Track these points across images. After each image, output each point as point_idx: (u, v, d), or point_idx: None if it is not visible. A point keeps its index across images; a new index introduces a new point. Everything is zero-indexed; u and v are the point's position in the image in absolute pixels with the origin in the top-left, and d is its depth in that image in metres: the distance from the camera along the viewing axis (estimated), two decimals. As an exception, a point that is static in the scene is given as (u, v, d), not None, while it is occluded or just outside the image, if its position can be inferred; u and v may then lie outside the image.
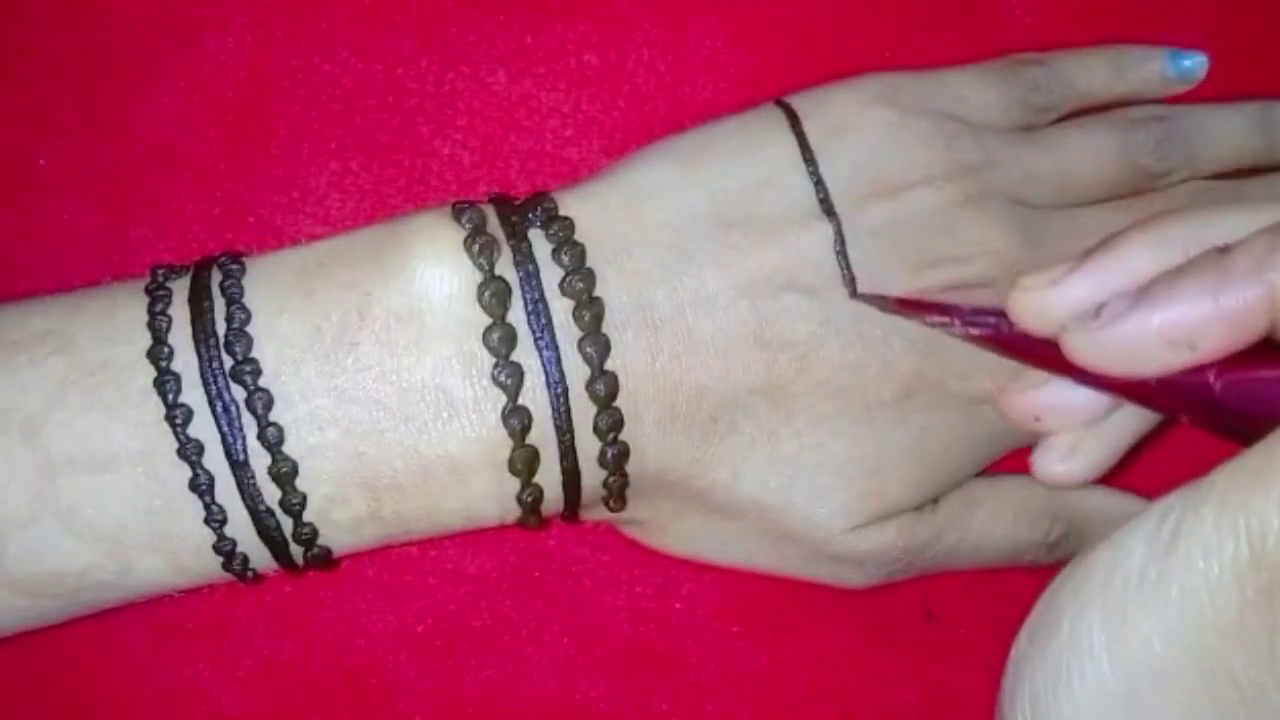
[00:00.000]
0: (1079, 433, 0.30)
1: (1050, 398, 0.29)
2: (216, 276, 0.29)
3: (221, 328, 0.29)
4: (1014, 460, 0.34)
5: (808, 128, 0.32)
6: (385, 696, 0.35)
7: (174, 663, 0.35)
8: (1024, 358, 0.29)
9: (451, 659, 0.35)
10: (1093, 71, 0.36)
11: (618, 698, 0.36)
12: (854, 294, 0.31)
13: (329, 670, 0.35)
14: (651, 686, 0.36)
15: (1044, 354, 0.28)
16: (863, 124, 0.32)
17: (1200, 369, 0.24)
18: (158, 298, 0.29)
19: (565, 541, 0.36)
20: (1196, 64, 0.36)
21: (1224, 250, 0.24)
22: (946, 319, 0.30)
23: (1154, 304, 0.24)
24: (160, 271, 0.30)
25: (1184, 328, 0.24)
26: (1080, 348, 0.26)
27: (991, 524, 0.33)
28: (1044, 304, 0.27)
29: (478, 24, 0.36)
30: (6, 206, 0.35)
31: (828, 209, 0.31)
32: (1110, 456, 0.30)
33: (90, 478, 0.28)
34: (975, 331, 0.29)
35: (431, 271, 0.29)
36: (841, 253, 0.31)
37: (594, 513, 0.32)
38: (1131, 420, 0.30)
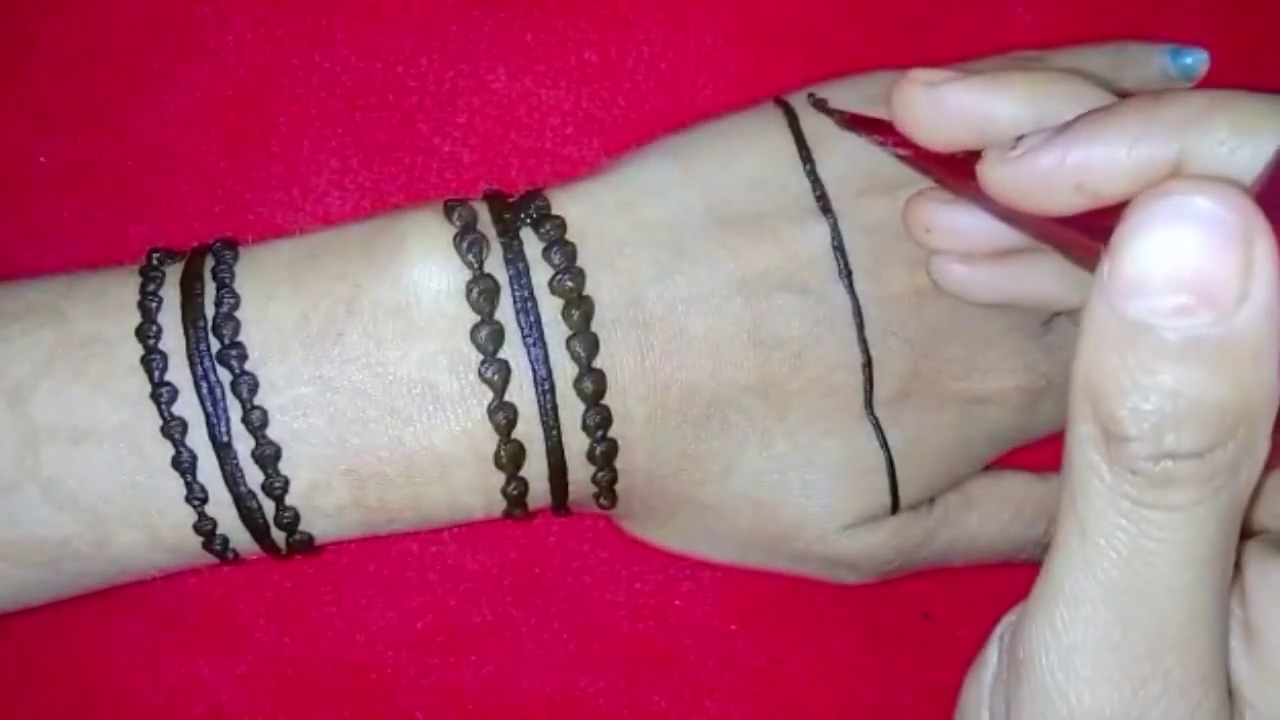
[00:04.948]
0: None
1: (946, 215, 0.30)
2: (210, 261, 0.30)
3: (211, 311, 0.29)
4: (1012, 457, 0.34)
5: (805, 126, 0.32)
6: (385, 692, 0.35)
7: (175, 659, 0.35)
8: (945, 180, 0.29)
9: (452, 655, 0.36)
10: (1093, 68, 0.35)
11: (617, 694, 0.36)
12: (816, 105, 0.31)
13: (329, 666, 0.35)
14: (650, 683, 0.36)
15: (962, 178, 0.28)
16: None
17: (1106, 217, 0.24)
18: (150, 278, 0.30)
19: (565, 539, 0.36)
20: (1198, 61, 0.36)
21: (1158, 96, 0.24)
22: (882, 138, 0.30)
23: (1070, 143, 0.24)
24: (155, 254, 0.30)
25: (1092, 172, 0.24)
26: (992, 177, 0.26)
27: (988, 523, 0.33)
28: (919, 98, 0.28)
29: (478, 22, 0.36)
30: (7, 204, 0.35)
31: (824, 207, 0.31)
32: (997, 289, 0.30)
33: (73, 448, 0.28)
34: (903, 151, 0.29)
35: (420, 267, 0.29)
36: (839, 249, 0.31)
37: (588, 505, 0.32)
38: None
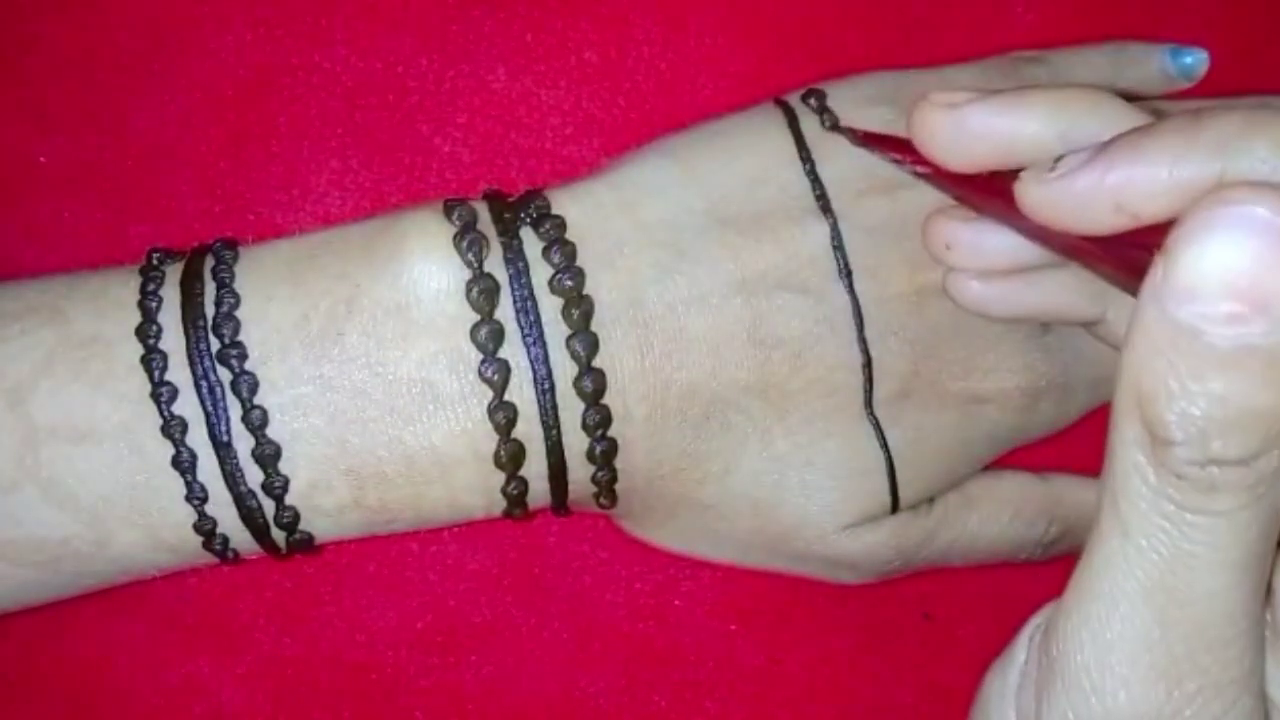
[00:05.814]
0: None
1: (967, 233, 0.30)
2: (210, 261, 0.30)
3: (211, 310, 0.29)
4: (1012, 457, 0.34)
5: (805, 126, 0.32)
6: (385, 692, 0.35)
7: (175, 659, 0.35)
8: (966, 198, 0.29)
9: (452, 655, 0.36)
10: (1093, 68, 0.35)
11: (616, 694, 0.36)
12: (839, 128, 0.31)
13: (329, 666, 0.35)
14: (650, 683, 0.36)
15: (986, 196, 0.28)
16: (860, 122, 0.32)
17: (1143, 236, 0.24)
18: (151, 278, 0.30)
19: (565, 538, 0.36)
20: (1198, 61, 0.36)
21: (1198, 115, 0.23)
22: (900, 156, 0.30)
23: (1110, 163, 0.24)
24: (156, 254, 0.31)
25: (1133, 192, 0.24)
26: (1031, 197, 0.26)
27: (987, 523, 0.33)
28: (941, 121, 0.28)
29: (478, 22, 0.36)
30: (7, 204, 0.35)
31: (824, 207, 0.31)
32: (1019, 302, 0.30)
33: (72, 448, 0.28)
34: (922, 169, 0.29)
35: (420, 267, 0.29)
36: (838, 249, 0.31)
37: (587, 505, 0.32)
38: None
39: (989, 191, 0.28)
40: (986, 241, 0.29)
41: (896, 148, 0.30)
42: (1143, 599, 0.21)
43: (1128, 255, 0.24)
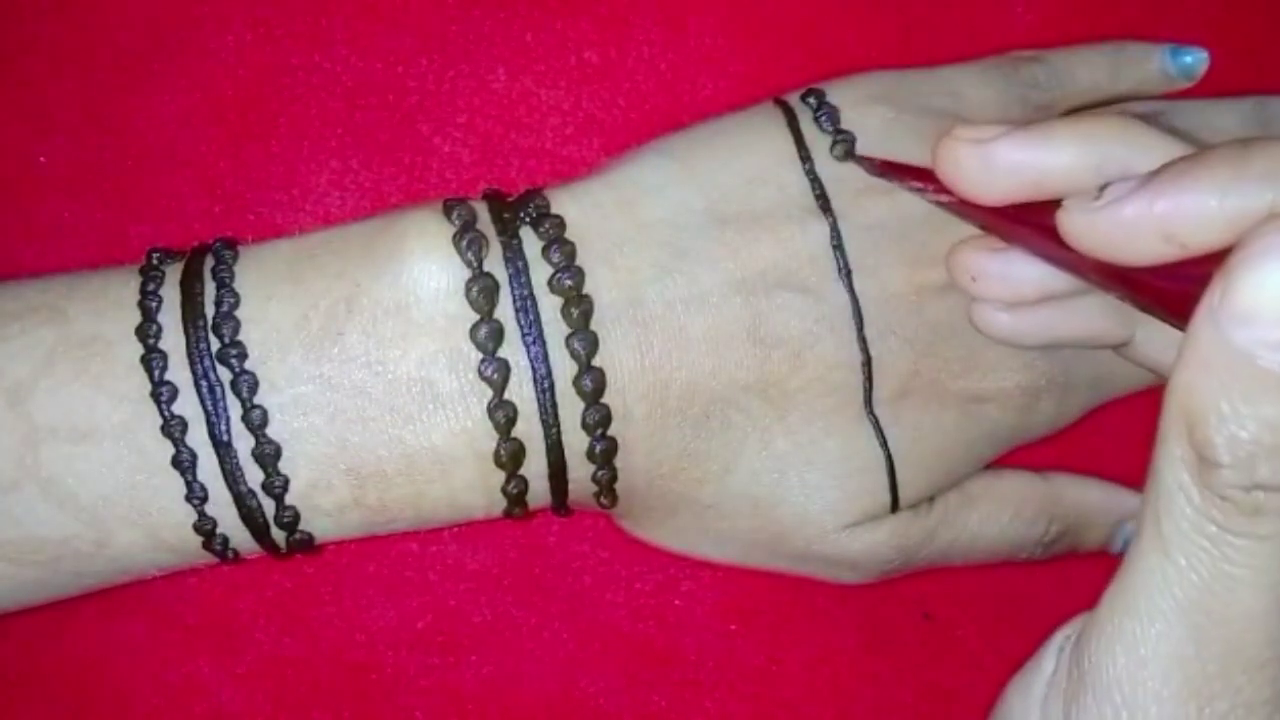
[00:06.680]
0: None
1: (996, 263, 0.30)
2: (209, 261, 0.30)
3: (210, 310, 0.29)
4: (1012, 457, 0.34)
5: (804, 125, 0.32)
6: (385, 692, 0.35)
7: (175, 658, 0.35)
8: (995, 228, 0.29)
9: (452, 655, 0.36)
10: (1093, 68, 0.35)
11: (616, 694, 0.36)
12: (855, 157, 0.31)
13: (329, 666, 0.35)
14: (650, 683, 0.36)
15: (1014, 225, 0.28)
16: (859, 121, 0.32)
17: (1184, 267, 0.24)
18: (151, 278, 0.30)
19: (565, 538, 0.36)
20: (1197, 60, 0.36)
21: (1246, 144, 0.23)
22: (921, 185, 0.30)
23: (1158, 192, 0.24)
24: (156, 254, 0.31)
25: (1181, 222, 0.23)
26: (1075, 225, 0.25)
27: (988, 523, 0.33)
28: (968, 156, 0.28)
29: (478, 22, 0.36)
30: (7, 204, 0.35)
31: (824, 206, 0.31)
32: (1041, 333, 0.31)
33: (72, 447, 0.28)
34: (946, 199, 0.29)
35: (420, 266, 0.29)
36: (838, 248, 0.31)
37: (588, 505, 0.32)
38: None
39: (1017, 221, 0.28)
40: (1014, 271, 0.29)
41: (918, 177, 0.30)
42: (1179, 617, 0.21)
43: (1168, 286, 0.24)
